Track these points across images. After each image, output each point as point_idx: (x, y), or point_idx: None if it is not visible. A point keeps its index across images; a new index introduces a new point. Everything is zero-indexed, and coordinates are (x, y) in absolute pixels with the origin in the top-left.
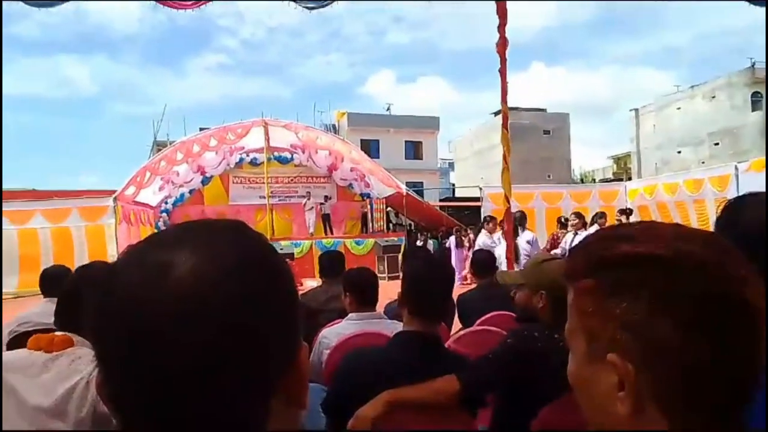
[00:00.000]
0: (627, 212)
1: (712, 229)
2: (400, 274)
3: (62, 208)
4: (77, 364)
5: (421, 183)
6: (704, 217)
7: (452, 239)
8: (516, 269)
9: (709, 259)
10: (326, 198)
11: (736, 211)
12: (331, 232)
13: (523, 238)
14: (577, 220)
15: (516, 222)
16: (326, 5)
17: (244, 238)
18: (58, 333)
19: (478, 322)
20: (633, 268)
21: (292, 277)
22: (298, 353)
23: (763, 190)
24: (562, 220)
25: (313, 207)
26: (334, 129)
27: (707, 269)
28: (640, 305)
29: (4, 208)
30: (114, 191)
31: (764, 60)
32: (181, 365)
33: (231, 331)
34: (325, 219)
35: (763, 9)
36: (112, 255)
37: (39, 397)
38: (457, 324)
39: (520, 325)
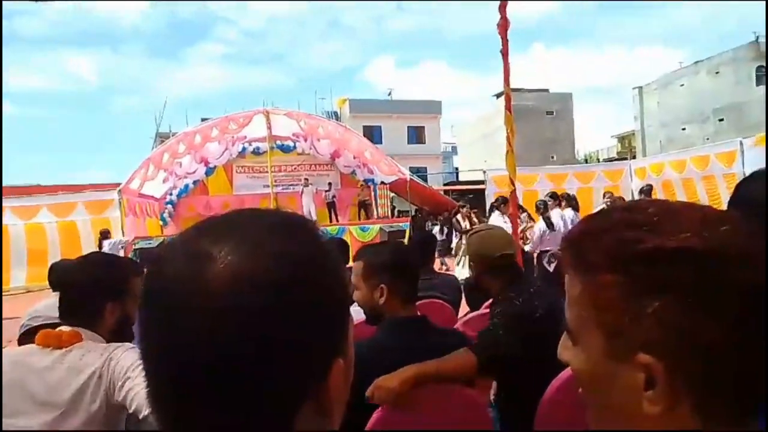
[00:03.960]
0: (646, 190)
1: (724, 205)
2: None
3: (68, 203)
4: (88, 358)
5: (425, 168)
6: (715, 193)
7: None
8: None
9: (741, 248)
10: (330, 185)
11: (748, 188)
12: (337, 220)
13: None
14: (551, 201)
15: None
16: None
17: (291, 239)
18: (65, 328)
19: (485, 305)
20: (666, 264)
21: (340, 282)
22: (333, 365)
23: None
24: (539, 204)
25: (311, 194)
26: (336, 116)
27: (742, 259)
28: (676, 304)
29: (11, 204)
30: (119, 184)
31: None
32: (209, 363)
33: (259, 337)
34: (330, 206)
35: None
36: None
37: (53, 394)
38: (464, 308)
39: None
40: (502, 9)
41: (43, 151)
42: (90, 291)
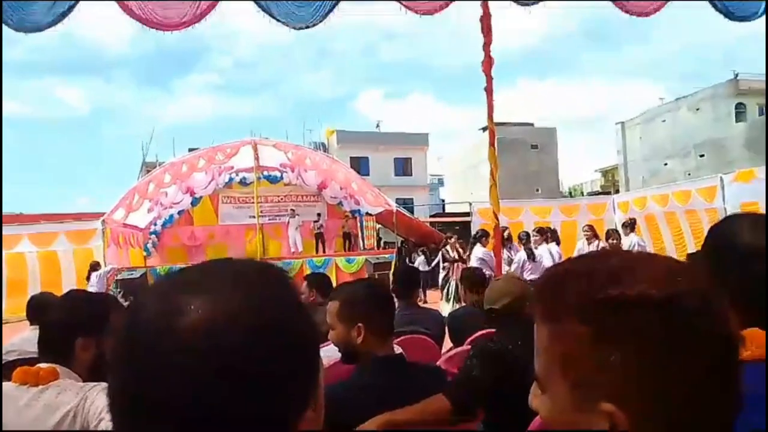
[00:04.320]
0: (629, 224)
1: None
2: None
3: (49, 232)
4: (63, 397)
5: (412, 199)
6: (698, 228)
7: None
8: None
9: (699, 299)
10: (318, 216)
11: (719, 234)
12: (324, 251)
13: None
14: (537, 236)
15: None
16: (312, 25)
17: (263, 290)
18: (43, 365)
19: (468, 340)
20: (628, 314)
21: (308, 335)
22: (305, 414)
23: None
24: (522, 236)
25: (298, 226)
26: (323, 147)
27: (700, 310)
28: (637, 353)
29: None
30: (103, 213)
31: (748, 72)
32: (180, 416)
33: (230, 389)
34: (318, 237)
35: (745, 24)
36: None
37: None
38: (447, 342)
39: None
40: (486, 48)
41: (26, 180)
42: (66, 328)
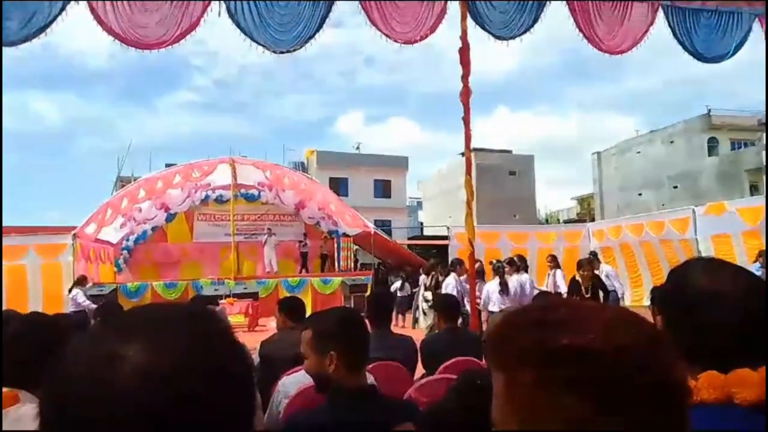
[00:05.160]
0: (592, 255)
1: None
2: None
3: (19, 246)
4: (21, 424)
5: (390, 221)
6: (674, 257)
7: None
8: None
9: (644, 349)
10: (305, 236)
11: (681, 279)
12: (307, 271)
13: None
14: (508, 267)
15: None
16: (293, 50)
17: (197, 335)
18: (6, 389)
19: (441, 368)
20: (573, 363)
21: (244, 376)
22: None
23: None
24: (494, 262)
25: (273, 244)
26: (303, 167)
27: (642, 361)
28: (581, 401)
29: None
30: (74, 227)
31: (720, 107)
32: None
33: None
34: (303, 257)
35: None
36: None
37: None
38: (420, 369)
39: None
40: (464, 79)
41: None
42: (27, 351)
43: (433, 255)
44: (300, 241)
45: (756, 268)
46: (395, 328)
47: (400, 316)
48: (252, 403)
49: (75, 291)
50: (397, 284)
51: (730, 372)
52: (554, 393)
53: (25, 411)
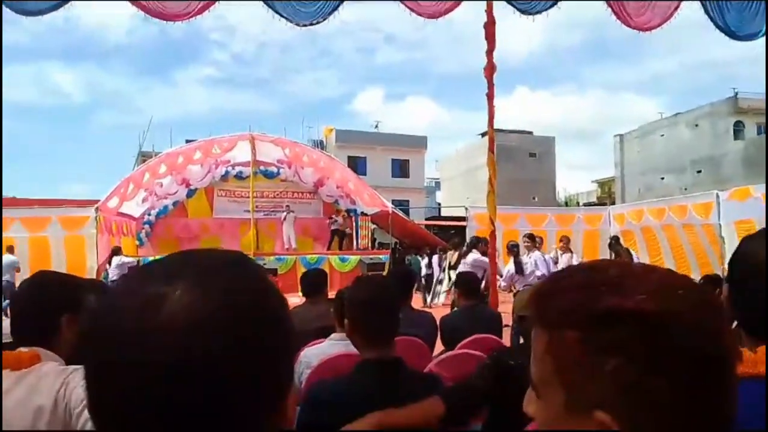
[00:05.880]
0: (614, 240)
1: (707, 254)
2: None
3: (42, 217)
4: (45, 382)
5: (407, 201)
6: (696, 241)
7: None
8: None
9: (692, 314)
10: (338, 212)
11: (749, 247)
12: (339, 248)
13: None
14: (528, 242)
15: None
16: (316, 23)
17: (242, 278)
18: (24, 349)
19: (460, 344)
20: (621, 325)
21: (286, 319)
22: (285, 398)
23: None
24: (512, 246)
25: (292, 221)
26: (321, 145)
27: (691, 325)
28: (629, 364)
29: None
30: (97, 201)
31: (748, 91)
32: (163, 402)
33: (213, 374)
34: (335, 234)
35: (745, 44)
36: (91, 267)
37: (10, 417)
38: (439, 346)
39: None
40: (489, 54)
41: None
42: (42, 308)
43: (451, 236)
44: (330, 218)
45: None
46: (422, 306)
47: (426, 294)
48: (291, 346)
49: (114, 261)
50: (424, 262)
51: None
52: (598, 354)
53: (49, 368)
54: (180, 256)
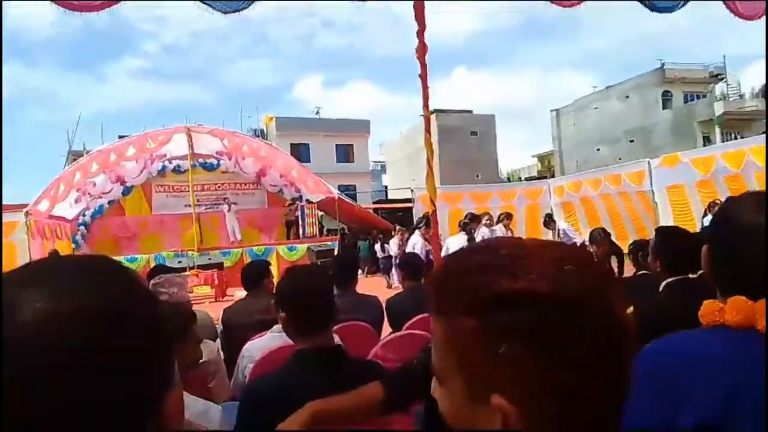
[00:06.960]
0: (548, 218)
1: (642, 219)
2: None
3: None
4: None
5: (354, 186)
6: (632, 209)
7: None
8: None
9: (586, 291)
10: (295, 200)
11: (733, 209)
12: (297, 237)
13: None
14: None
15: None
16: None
17: (99, 281)
18: None
19: (406, 326)
20: (513, 307)
21: (154, 320)
22: (164, 398)
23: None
24: (461, 223)
25: (235, 213)
26: (262, 134)
27: (585, 303)
28: (524, 346)
29: None
30: (26, 205)
31: (673, 62)
32: (11, 412)
33: (64, 384)
34: (289, 225)
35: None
36: None
37: None
38: (387, 329)
39: None
40: (420, 35)
41: None
42: None
43: (399, 218)
44: (290, 205)
45: (708, 222)
46: (387, 289)
47: (387, 277)
48: (164, 348)
49: None
50: (378, 246)
51: (759, 300)
52: (494, 340)
53: None
54: (33, 263)
